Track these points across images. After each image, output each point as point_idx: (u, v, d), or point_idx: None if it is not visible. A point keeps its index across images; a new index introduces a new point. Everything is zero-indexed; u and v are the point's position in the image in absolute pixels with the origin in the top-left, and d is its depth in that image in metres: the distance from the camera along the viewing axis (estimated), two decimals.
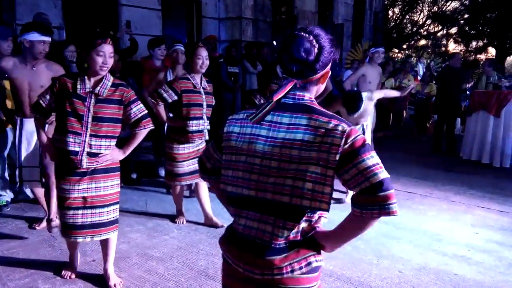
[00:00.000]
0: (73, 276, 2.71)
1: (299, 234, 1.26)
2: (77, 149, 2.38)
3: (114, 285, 2.58)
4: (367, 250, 3.18)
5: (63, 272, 2.72)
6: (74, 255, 2.75)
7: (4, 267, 2.80)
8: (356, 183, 1.17)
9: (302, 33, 1.25)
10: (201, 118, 3.41)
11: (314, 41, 1.25)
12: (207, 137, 3.49)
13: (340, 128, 1.19)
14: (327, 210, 1.21)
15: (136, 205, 4.12)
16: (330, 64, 1.30)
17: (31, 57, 3.15)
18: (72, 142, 2.37)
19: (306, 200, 1.20)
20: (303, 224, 1.26)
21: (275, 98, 1.25)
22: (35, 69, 3.19)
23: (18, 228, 3.47)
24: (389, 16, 19.31)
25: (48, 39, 3.16)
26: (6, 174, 3.88)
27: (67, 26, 6.15)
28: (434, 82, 10.42)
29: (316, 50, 1.24)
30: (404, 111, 9.05)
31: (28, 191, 3.60)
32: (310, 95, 1.30)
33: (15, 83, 3.20)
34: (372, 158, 1.18)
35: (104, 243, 2.60)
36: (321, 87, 1.34)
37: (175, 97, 3.35)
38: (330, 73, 1.32)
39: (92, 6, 6.70)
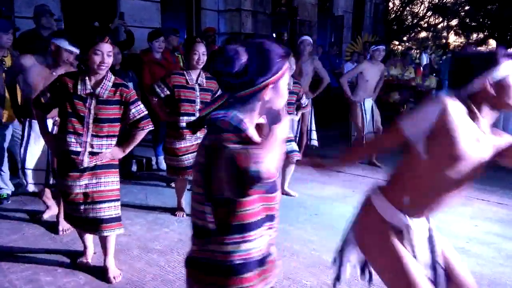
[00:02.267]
0: (89, 262, 2.78)
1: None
2: (78, 149, 2.42)
3: (114, 278, 2.60)
4: None
5: (78, 260, 2.78)
6: (85, 243, 2.79)
7: (5, 259, 2.82)
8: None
9: (230, 46, 1.20)
10: (193, 114, 3.38)
11: (242, 54, 1.18)
12: (198, 134, 3.38)
13: (212, 145, 1.17)
14: (214, 229, 1.22)
15: (135, 198, 4.13)
16: (269, 79, 1.20)
17: (53, 62, 3.10)
18: (73, 142, 2.41)
19: (199, 220, 1.25)
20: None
21: (201, 113, 1.27)
22: (54, 74, 3.08)
23: (18, 221, 3.48)
24: (390, 8, 19.20)
25: (76, 51, 3.05)
26: (7, 168, 3.88)
27: (66, 18, 6.10)
28: (434, 75, 10.38)
29: (242, 64, 1.17)
30: (405, 105, 9.03)
31: (30, 187, 3.55)
32: (236, 113, 1.21)
33: (29, 83, 3.14)
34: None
35: (103, 238, 2.61)
36: (263, 104, 1.24)
37: (167, 92, 3.36)
38: (271, 87, 1.21)
39: None
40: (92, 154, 2.45)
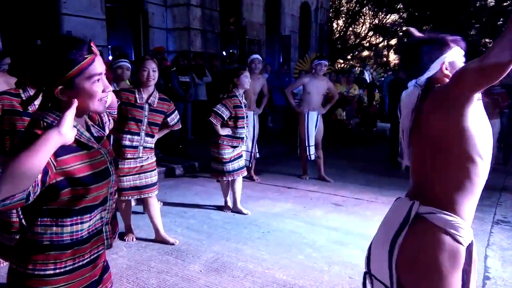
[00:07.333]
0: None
1: None
2: None
3: None
4: (318, 258, 3.26)
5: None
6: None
7: None
8: None
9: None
10: (137, 134, 3.30)
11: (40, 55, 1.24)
12: (140, 154, 3.32)
13: None
14: None
15: None
16: (58, 78, 1.20)
17: None
18: None
19: None
20: None
21: None
22: None
23: None
24: (334, 28, 20.09)
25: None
26: None
27: (4, 37, 5.81)
28: (377, 91, 10.92)
29: (39, 64, 1.23)
30: (351, 120, 9.40)
31: None
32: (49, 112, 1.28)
33: None
34: None
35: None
36: (65, 103, 1.22)
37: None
38: (61, 87, 1.21)
39: (31, 16, 6.40)
40: None
